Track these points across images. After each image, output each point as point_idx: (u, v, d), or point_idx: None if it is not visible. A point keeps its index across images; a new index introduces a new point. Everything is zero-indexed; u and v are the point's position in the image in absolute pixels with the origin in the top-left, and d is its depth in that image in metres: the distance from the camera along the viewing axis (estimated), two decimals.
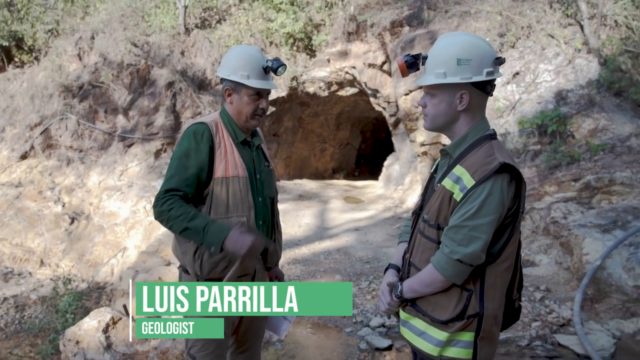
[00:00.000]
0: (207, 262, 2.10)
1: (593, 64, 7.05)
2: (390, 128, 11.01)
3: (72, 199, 10.04)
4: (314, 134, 14.71)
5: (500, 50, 7.80)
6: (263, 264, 2.31)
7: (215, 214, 2.13)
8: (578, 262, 4.99)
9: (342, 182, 14.17)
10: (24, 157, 10.46)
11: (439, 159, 1.90)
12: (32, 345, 7.13)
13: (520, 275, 1.85)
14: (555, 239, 5.50)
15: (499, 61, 1.71)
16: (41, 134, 10.45)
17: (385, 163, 12.29)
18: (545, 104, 6.96)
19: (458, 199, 1.66)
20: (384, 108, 10.57)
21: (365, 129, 17.72)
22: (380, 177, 12.26)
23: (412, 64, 1.80)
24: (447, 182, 1.71)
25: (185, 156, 2.11)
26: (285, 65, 2.24)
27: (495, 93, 7.82)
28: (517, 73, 7.45)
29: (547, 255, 5.56)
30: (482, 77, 1.68)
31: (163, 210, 2.06)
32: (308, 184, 12.82)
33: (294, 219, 8.64)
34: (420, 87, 1.76)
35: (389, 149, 12.75)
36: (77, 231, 9.66)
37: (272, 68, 2.20)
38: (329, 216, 9.13)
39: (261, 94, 2.23)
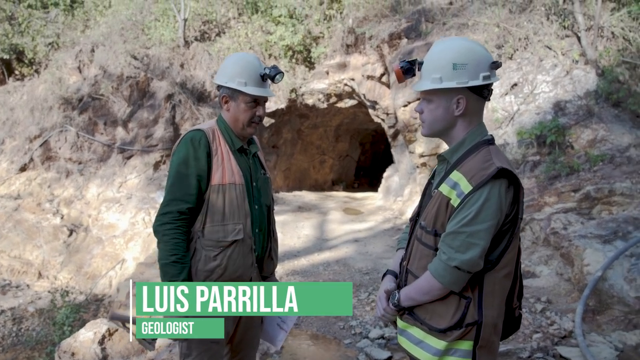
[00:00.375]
0: (202, 270, 2.09)
1: (591, 75, 7.08)
2: (390, 139, 11.02)
3: (71, 211, 10.01)
4: (313, 146, 14.72)
5: None
6: (259, 272, 2.29)
7: (212, 222, 2.11)
8: (579, 273, 4.95)
9: (342, 194, 14.15)
10: (23, 169, 10.46)
11: (437, 165, 1.89)
12: (29, 358, 7.06)
13: (520, 283, 1.82)
14: (556, 249, 5.46)
15: (496, 65, 1.70)
16: (40, 146, 10.46)
17: (385, 174, 12.29)
18: (543, 114, 6.98)
19: (455, 205, 1.64)
20: (382, 120, 10.59)
21: (365, 141, 17.75)
22: (380, 189, 12.25)
23: (408, 69, 1.79)
24: (444, 188, 1.69)
25: (184, 164, 2.10)
26: (283, 73, 2.24)
27: (493, 104, 7.84)
28: (515, 84, 7.48)
29: (547, 267, 5.52)
30: (479, 82, 1.67)
31: (158, 230, 2.09)
32: (307, 196, 12.80)
33: (293, 231, 8.61)
34: (419, 98, 1.80)
35: (388, 160, 12.75)
36: (76, 243, 9.61)
37: (270, 75, 2.20)
38: (328, 227, 9.10)
39: (258, 101, 2.23)
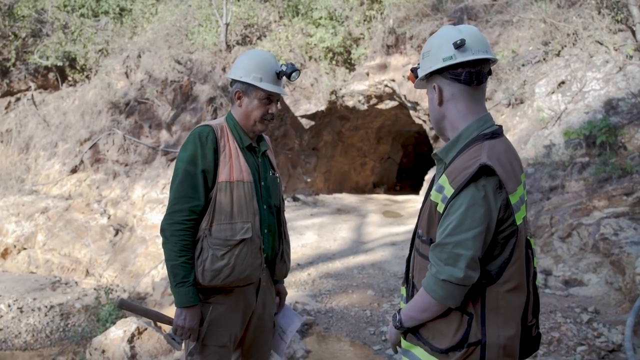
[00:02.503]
0: (209, 270, 2.04)
1: None
2: (431, 141, 10.78)
3: (117, 211, 10.36)
4: (354, 148, 14.61)
5: (544, 59, 7.48)
6: (270, 275, 2.24)
7: (219, 220, 2.05)
8: (631, 282, 4.62)
9: (382, 197, 13.96)
10: (74, 170, 10.92)
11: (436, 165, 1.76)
12: (74, 352, 7.33)
13: (535, 298, 1.63)
14: (605, 257, 5.13)
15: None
16: (90, 148, 10.90)
17: (426, 177, 12.03)
18: (593, 113, 6.59)
19: (441, 212, 1.50)
20: (424, 121, 10.37)
21: (407, 143, 17.49)
22: (421, 191, 11.99)
23: (415, 69, 1.73)
24: (433, 192, 1.57)
25: (192, 161, 2.06)
26: (299, 71, 2.19)
27: (539, 103, 7.47)
28: (563, 82, 7.11)
29: (596, 275, 5.20)
30: (439, 65, 1.57)
31: (166, 229, 2.06)
32: (347, 198, 12.70)
33: (329, 233, 8.54)
34: None
35: (432, 162, 12.46)
36: (121, 242, 9.94)
37: (286, 73, 2.16)
38: (365, 230, 8.97)
39: (271, 98, 2.18)
